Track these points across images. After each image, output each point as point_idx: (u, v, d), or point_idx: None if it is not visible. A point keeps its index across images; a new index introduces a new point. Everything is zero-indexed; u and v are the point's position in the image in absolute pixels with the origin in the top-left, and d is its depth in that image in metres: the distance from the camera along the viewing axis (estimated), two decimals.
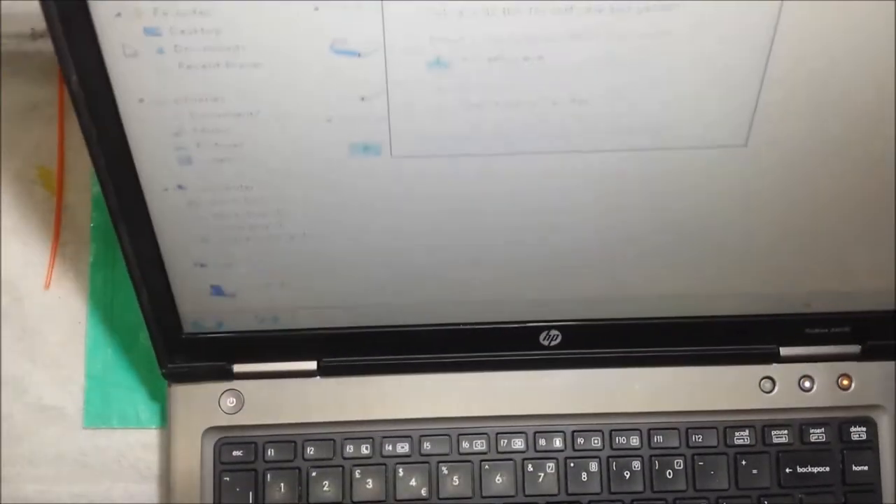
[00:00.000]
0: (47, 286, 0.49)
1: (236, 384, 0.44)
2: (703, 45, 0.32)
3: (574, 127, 0.35)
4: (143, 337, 0.48)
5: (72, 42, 0.31)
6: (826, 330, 0.43)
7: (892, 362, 0.44)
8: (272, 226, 0.37)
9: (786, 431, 0.44)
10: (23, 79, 0.49)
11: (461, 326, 0.42)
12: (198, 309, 0.41)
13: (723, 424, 0.44)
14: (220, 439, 0.44)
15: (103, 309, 0.49)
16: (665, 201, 0.37)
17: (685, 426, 0.44)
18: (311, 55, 0.32)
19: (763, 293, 0.41)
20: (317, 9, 0.30)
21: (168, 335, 0.41)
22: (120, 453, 0.48)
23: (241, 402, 0.44)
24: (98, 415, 0.48)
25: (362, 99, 0.33)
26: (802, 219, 0.38)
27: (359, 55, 0.32)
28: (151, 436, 0.48)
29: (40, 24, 0.47)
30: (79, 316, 0.49)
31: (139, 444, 0.48)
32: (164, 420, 0.47)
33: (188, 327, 0.41)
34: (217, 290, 0.40)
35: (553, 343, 0.43)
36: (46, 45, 0.47)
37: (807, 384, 0.44)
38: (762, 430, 0.44)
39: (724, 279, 0.41)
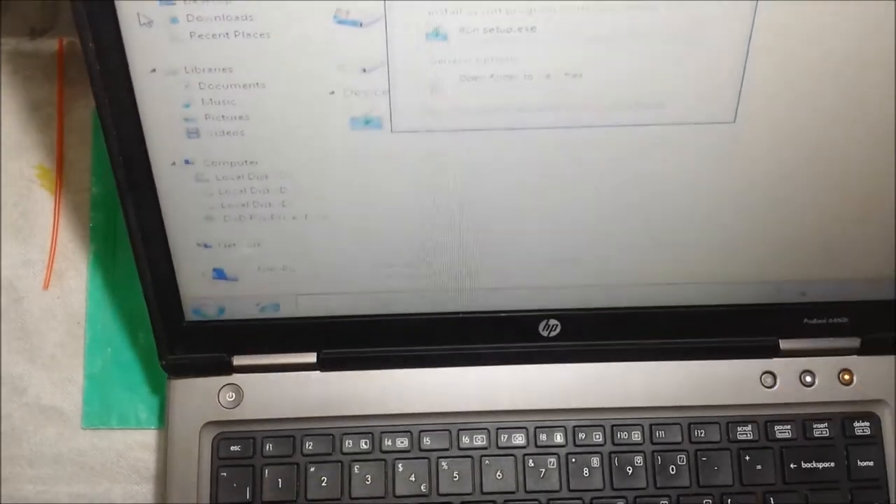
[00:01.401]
0: (46, 286, 0.49)
1: (236, 378, 0.44)
2: (688, 18, 0.34)
3: (568, 101, 0.36)
4: (143, 337, 0.49)
5: (90, 10, 0.32)
6: (824, 321, 0.43)
7: (893, 356, 0.44)
8: (275, 204, 0.38)
9: (788, 426, 0.44)
10: (22, 78, 0.50)
11: (460, 315, 0.42)
12: (200, 294, 0.41)
13: (725, 420, 0.44)
14: (218, 434, 0.43)
15: (102, 309, 0.49)
16: (658, 180, 0.38)
17: (687, 421, 0.44)
18: (316, 25, 0.33)
19: (758, 280, 0.42)
20: None
21: (169, 323, 0.42)
22: (119, 454, 0.48)
23: (240, 397, 0.44)
24: (97, 415, 0.48)
25: (364, 70, 0.35)
26: (794, 199, 0.39)
27: (361, 25, 0.34)
28: (150, 436, 0.48)
29: (40, 23, 0.49)
30: (78, 316, 0.49)
31: (138, 444, 0.48)
32: (163, 421, 0.47)
33: (189, 315, 0.42)
34: (219, 274, 0.41)
35: (553, 334, 0.43)
36: (46, 45, 0.49)
37: (808, 379, 0.44)
38: (765, 425, 0.44)
39: (719, 265, 0.41)
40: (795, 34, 0.35)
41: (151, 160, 0.37)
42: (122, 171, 0.37)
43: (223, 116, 0.36)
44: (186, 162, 0.37)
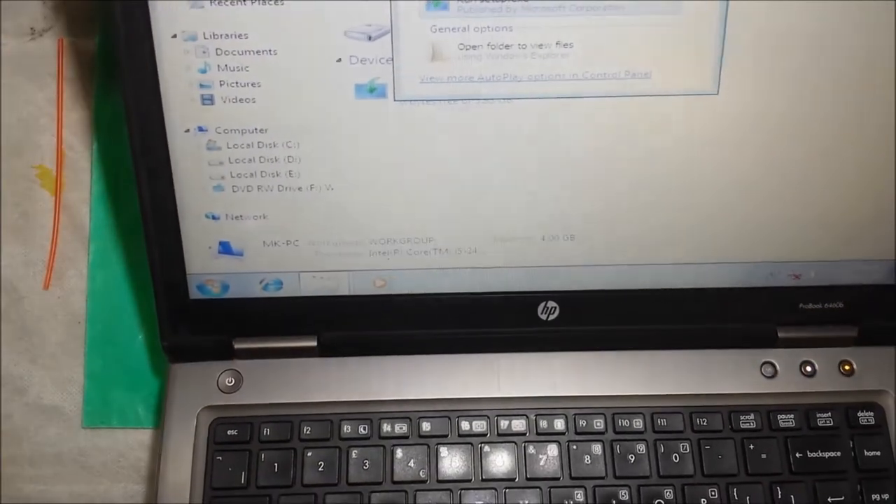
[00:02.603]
0: (47, 286, 0.50)
1: (235, 364, 0.44)
2: None
3: (561, 71, 0.38)
4: (143, 337, 0.49)
5: None
6: (820, 305, 0.44)
7: (892, 347, 0.44)
8: (282, 173, 0.40)
9: (792, 416, 0.43)
10: (23, 79, 0.51)
11: (459, 295, 0.43)
12: (205, 269, 0.42)
13: (727, 409, 0.43)
14: (215, 419, 0.43)
15: (103, 309, 0.50)
16: (646, 154, 0.40)
17: (689, 410, 0.43)
18: None
19: (750, 260, 0.43)
20: None
21: (174, 300, 0.42)
22: (119, 453, 0.48)
23: (239, 382, 0.44)
24: (97, 415, 0.48)
25: (369, 38, 0.37)
26: (783, 174, 0.41)
27: None
28: (151, 436, 0.47)
29: (40, 23, 0.50)
30: (78, 316, 0.50)
31: (139, 444, 0.48)
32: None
33: (194, 292, 0.43)
34: (225, 248, 0.42)
35: (552, 317, 0.44)
36: (46, 45, 0.50)
37: (808, 369, 0.44)
38: (767, 414, 0.43)
39: (709, 244, 0.42)
40: (772, 5, 0.37)
41: (167, 127, 0.39)
42: (138, 137, 0.39)
43: (237, 83, 0.38)
44: (200, 129, 0.39)
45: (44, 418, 0.48)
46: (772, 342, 0.44)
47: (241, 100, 0.38)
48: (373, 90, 0.38)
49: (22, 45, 0.51)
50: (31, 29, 0.50)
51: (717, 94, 0.39)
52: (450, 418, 0.43)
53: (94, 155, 0.51)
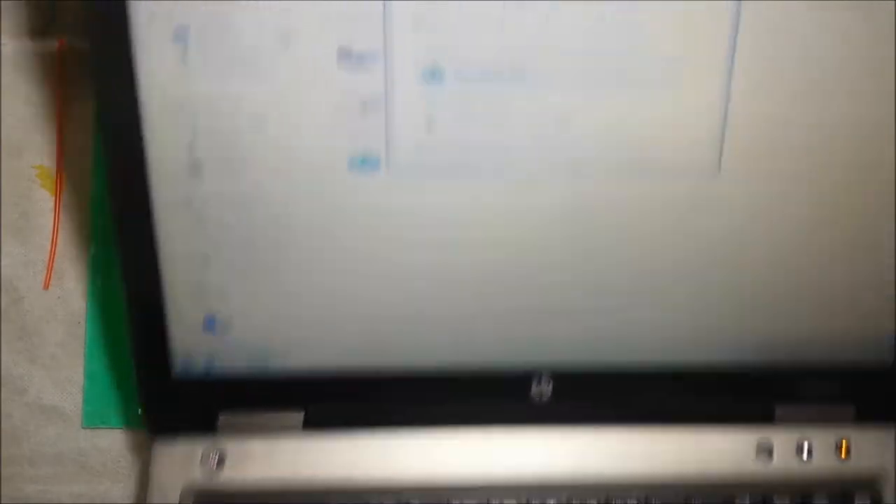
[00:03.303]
0: (46, 286, 0.49)
1: (219, 441, 0.42)
2: (667, 65, 0.36)
3: (556, 150, 0.38)
4: None
5: (106, 43, 0.35)
6: (818, 382, 0.43)
7: (891, 426, 0.44)
8: (271, 248, 0.39)
9: (787, 499, 0.42)
10: (23, 79, 0.50)
11: (452, 370, 0.42)
12: (189, 346, 0.41)
13: (723, 491, 0.42)
14: (197, 498, 0.41)
15: (103, 309, 0.49)
16: (645, 233, 0.39)
17: (684, 492, 0.42)
18: (319, 61, 0.35)
19: (747, 339, 0.42)
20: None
21: (156, 378, 0.41)
22: (119, 454, 0.48)
23: (223, 459, 0.42)
24: (97, 415, 0.48)
25: (363, 106, 0.36)
26: (783, 255, 0.40)
27: (362, 62, 0.36)
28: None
29: (40, 23, 0.49)
30: (78, 316, 0.49)
31: (139, 444, 0.48)
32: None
33: (177, 369, 0.41)
34: (211, 323, 0.40)
35: (545, 393, 0.42)
36: (46, 45, 0.49)
37: (805, 450, 0.43)
38: (762, 498, 0.42)
39: (710, 321, 0.42)
40: (775, 86, 0.37)
41: (153, 198, 0.37)
42: (123, 210, 0.38)
43: (225, 153, 0.37)
44: (187, 200, 0.38)
45: (43, 418, 0.48)
46: (769, 419, 0.44)
47: (229, 170, 0.37)
48: (365, 161, 0.38)
49: (22, 45, 0.50)
50: (31, 29, 0.50)
51: (719, 173, 0.38)
52: (440, 501, 0.42)
53: (93, 155, 0.50)
